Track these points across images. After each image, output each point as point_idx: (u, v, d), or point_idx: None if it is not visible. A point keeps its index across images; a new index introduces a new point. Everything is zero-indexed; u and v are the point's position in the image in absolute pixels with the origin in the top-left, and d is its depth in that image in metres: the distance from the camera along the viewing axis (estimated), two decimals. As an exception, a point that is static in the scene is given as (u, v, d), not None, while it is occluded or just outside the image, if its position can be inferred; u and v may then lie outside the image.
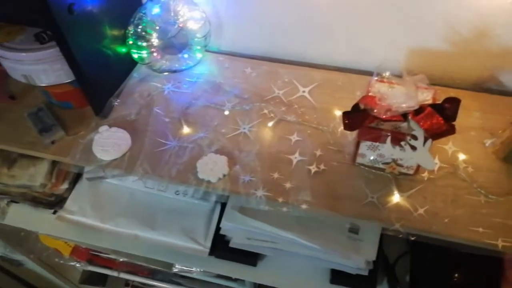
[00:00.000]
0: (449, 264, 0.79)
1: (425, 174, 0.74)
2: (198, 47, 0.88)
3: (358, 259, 0.76)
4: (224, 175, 0.74)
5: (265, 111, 0.83)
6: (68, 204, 0.94)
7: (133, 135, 0.79)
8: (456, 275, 0.78)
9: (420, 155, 0.65)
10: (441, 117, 0.61)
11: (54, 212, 0.98)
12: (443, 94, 0.83)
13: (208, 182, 0.73)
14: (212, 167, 0.74)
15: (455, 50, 0.83)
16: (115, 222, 0.88)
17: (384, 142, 0.66)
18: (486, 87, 0.88)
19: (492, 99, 0.85)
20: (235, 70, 0.91)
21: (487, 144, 0.77)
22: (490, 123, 0.80)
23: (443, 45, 0.82)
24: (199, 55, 0.90)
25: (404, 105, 0.61)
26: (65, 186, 0.95)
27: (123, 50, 0.85)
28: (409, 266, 0.85)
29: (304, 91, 0.87)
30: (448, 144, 0.77)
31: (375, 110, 0.63)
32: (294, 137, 0.79)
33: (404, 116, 0.64)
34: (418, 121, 0.61)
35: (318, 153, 0.77)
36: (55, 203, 0.97)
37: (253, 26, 0.91)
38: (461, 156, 0.76)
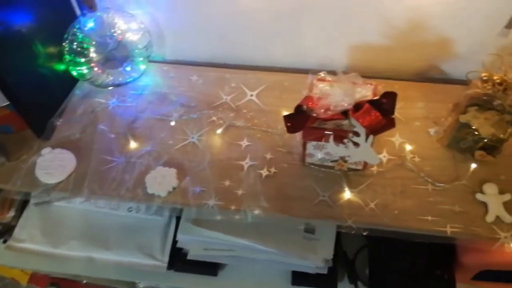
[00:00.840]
0: (405, 253, 0.80)
1: (374, 168, 0.75)
2: (141, 59, 0.86)
3: (315, 259, 0.76)
4: (174, 188, 0.72)
5: (214, 118, 0.82)
6: (17, 232, 0.90)
7: (78, 155, 0.77)
8: (412, 263, 0.80)
9: (364, 151, 0.66)
10: (379, 112, 0.61)
11: (4, 241, 0.94)
12: (387, 88, 0.85)
13: (158, 196, 0.72)
14: (161, 181, 0.72)
15: (394, 43, 0.84)
16: (68, 246, 0.85)
17: (328, 141, 0.66)
18: (429, 77, 0.90)
19: (435, 88, 0.87)
20: (180, 78, 0.90)
21: (431, 133, 0.79)
22: (433, 111, 0.82)
23: (381, 39, 0.84)
24: (142, 67, 0.88)
25: (341, 103, 0.62)
26: (11, 214, 0.91)
27: (61, 67, 0.82)
28: (367, 259, 0.86)
29: (252, 95, 0.86)
30: (395, 136, 0.79)
31: (315, 111, 0.63)
32: (244, 142, 0.79)
33: (345, 113, 0.64)
34: (357, 118, 0.62)
35: (269, 156, 0.77)
36: (3, 232, 0.93)
37: (194, 32, 0.90)
38: (408, 147, 0.77)
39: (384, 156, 0.76)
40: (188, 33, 0.90)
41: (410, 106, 0.84)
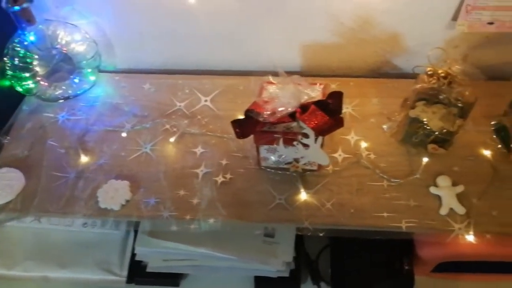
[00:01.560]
0: (366, 250, 0.80)
1: (330, 168, 0.74)
2: (89, 70, 0.84)
3: (276, 262, 0.75)
4: (127, 201, 0.71)
5: (167, 126, 0.81)
6: (-32, 256, 0.87)
7: (27, 173, 0.74)
8: (373, 260, 0.80)
9: (314, 152, 0.65)
10: (325, 113, 0.61)
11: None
12: (342, 85, 0.85)
13: (111, 210, 0.70)
14: (113, 195, 0.70)
15: (345, 41, 0.84)
16: (23, 267, 0.82)
17: (278, 144, 0.66)
18: (383, 72, 0.90)
19: (389, 84, 0.87)
20: (132, 88, 0.88)
21: (385, 129, 0.79)
22: (388, 107, 0.82)
23: (332, 37, 0.83)
24: (92, 78, 0.86)
25: (287, 106, 0.61)
26: (-39, 237, 0.88)
27: (5, 83, 0.79)
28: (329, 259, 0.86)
29: (206, 100, 0.85)
30: (350, 134, 0.79)
31: (261, 115, 0.62)
32: (199, 150, 0.77)
33: (293, 116, 0.64)
34: (303, 120, 0.61)
35: (224, 162, 0.76)
36: (-45, 257, 0.89)
37: (144, 40, 0.87)
38: (363, 144, 0.77)
39: (339, 154, 0.76)
40: (137, 40, 0.87)
41: (365, 103, 0.84)
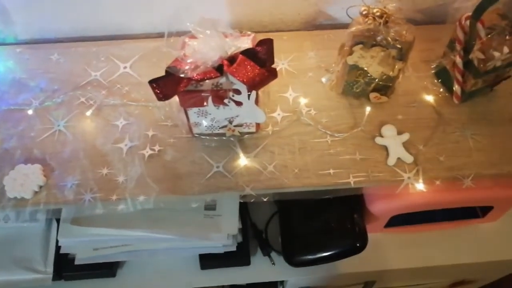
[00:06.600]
0: (315, 213, 0.76)
1: (269, 128, 0.68)
2: (-19, 41, 0.72)
3: (219, 237, 0.69)
4: (41, 187, 0.61)
5: (82, 99, 0.71)
6: None
7: None
8: (324, 222, 0.76)
9: (248, 110, 0.58)
10: (255, 63, 0.54)
11: None
12: (276, 40, 0.77)
13: (22, 199, 0.60)
14: (23, 181, 0.60)
15: (272, -10, 0.77)
16: None
17: (207, 104, 0.58)
18: (318, 24, 0.85)
19: (325, 35, 0.81)
20: (38, 60, 0.76)
21: (324, 82, 0.74)
22: (325, 60, 0.77)
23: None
24: (-14, 51, 0.73)
25: (211, 58, 0.53)
26: None
27: None
28: (279, 226, 0.81)
29: (125, 67, 0.75)
30: (288, 91, 0.73)
31: (182, 70, 0.54)
32: (121, 122, 0.68)
33: (220, 70, 0.56)
34: (232, 73, 0.54)
35: (151, 133, 0.67)
36: None
37: (44, 3, 0.75)
38: (303, 101, 0.72)
39: (278, 114, 0.70)
40: (36, 4, 0.75)
41: (301, 57, 0.78)
